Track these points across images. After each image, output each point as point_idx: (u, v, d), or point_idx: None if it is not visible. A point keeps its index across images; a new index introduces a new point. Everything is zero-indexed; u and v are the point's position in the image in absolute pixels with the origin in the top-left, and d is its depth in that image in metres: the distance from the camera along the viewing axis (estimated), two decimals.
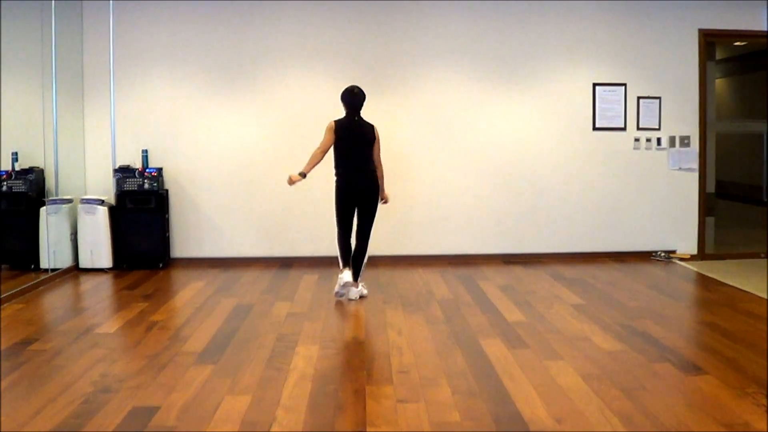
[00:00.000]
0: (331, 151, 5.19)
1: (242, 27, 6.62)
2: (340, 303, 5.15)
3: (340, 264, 5.27)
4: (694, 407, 3.14)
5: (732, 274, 6.08)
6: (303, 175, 5.07)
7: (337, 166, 5.22)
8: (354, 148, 5.18)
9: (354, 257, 5.27)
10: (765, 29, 6.81)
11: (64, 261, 6.22)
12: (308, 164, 5.10)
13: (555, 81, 6.80)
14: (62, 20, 6.16)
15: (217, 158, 6.68)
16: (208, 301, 5.24)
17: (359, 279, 5.30)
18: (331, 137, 5.13)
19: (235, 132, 6.68)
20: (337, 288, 5.26)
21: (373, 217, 5.29)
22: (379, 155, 5.28)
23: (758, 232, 7.75)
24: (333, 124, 5.16)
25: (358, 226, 5.31)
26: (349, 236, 5.29)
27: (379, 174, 5.29)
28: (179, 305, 5.19)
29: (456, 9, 6.69)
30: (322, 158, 5.14)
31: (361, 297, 5.27)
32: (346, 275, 5.17)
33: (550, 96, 6.81)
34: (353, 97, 5.18)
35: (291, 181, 5.06)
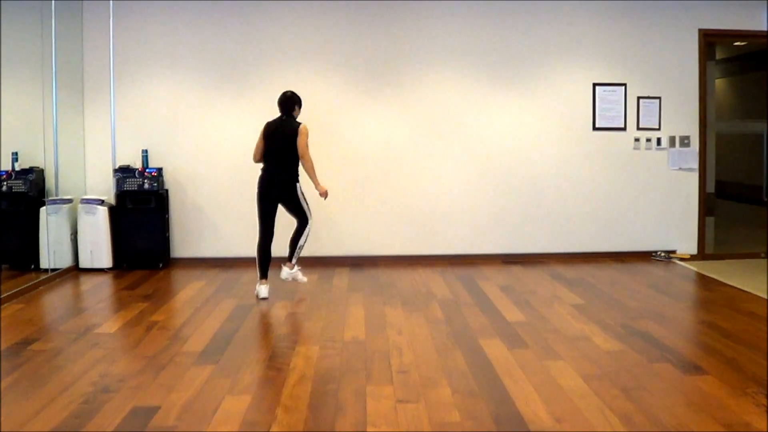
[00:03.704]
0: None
1: (242, 27, 6.62)
2: (340, 303, 5.15)
3: (258, 274, 5.38)
4: (694, 407, 3.14)
5: (732, 274, 6.08)
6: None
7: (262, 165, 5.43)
8: (273, 148, 5.29)
9: (292, 237, 5.42)
10: (765, 29, 6.81)
11: (64, 261, 6.22)
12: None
13: (555, 81, 6.81)
14: (62, 20, 6.16)
15: (217, 158, 6.68)
16: (208, 301, 5.24)
17: (294, 260, 5.46)
18: (260, 138, 5.36)
19: (235, 132, 6.67)
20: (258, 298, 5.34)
21: (300, 208, 5.36)
22: (304, 149, 5.23)
23: (758, 232, 7.74)
24: (264, 125, 5.39)
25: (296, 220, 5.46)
26: (269, 242, 5.37)
27: (307, 168, 5.28)
28: (179, 305, 5.19)
29: (456, 9, 6.69)
30: (256, 160, 5.43)
31: (294, 280, 5.50)
32: (263, 290, 5.31)
33: (550, 96, 6.81)
34: (281, 100, 5.35)
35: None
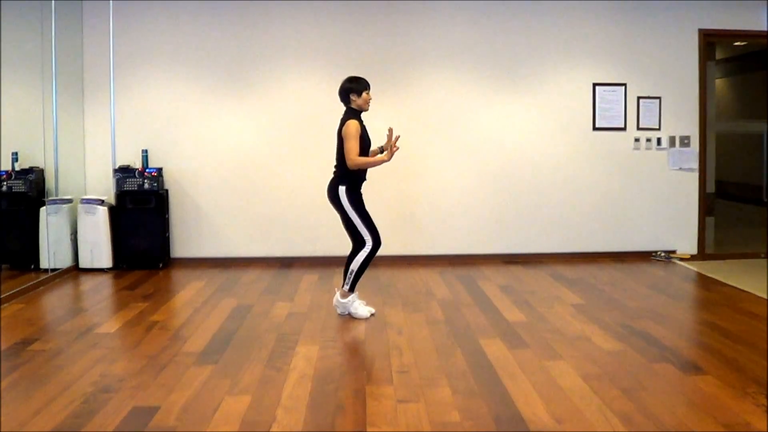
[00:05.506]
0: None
1: (242, 27, 6.62)
2: None
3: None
4: (694, 407, 3.14)
5: (732, 274, 6.08)
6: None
7: None
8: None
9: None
10: (765, 29, 6.82)
11: (64, 261, 6.22)
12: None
13: (555, 81, 6.81)
14: (62, 20, 6.16)
15: (217, 158, 6.68)
16: (208, 301, 5.24)
17: (344, 287, 4.69)
18: None
19: (235, 132, 6.68)
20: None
21: (347, 222, 4.63)
22: (347, 155, 4.49)
23: (758, 232, 7.75)
24: None
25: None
26: (351, 252, 4.71)
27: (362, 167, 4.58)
28: (179, 305, 5.19)
29: (455, 9, 6.69)
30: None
31: (345, 313, 4.72)
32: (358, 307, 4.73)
33: (550, 96, 6.81)
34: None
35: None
